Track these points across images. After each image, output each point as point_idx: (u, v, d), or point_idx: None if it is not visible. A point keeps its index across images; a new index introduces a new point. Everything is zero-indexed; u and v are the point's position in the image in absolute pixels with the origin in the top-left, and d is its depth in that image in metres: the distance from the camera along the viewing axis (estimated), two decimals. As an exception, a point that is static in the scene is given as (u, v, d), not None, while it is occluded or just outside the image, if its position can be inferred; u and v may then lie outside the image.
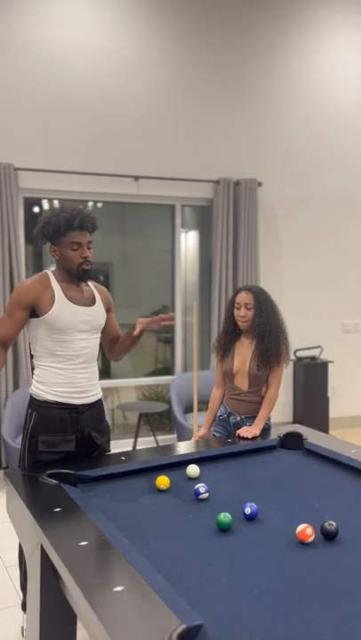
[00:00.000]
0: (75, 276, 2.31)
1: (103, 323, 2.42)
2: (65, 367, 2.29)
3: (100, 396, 2.43)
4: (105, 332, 2.52)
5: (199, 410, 3.70)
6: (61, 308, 2.24)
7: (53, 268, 2.37)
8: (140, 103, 4.83)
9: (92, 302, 2.36)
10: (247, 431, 2.64)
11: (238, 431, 2.67)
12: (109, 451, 2.48)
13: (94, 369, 2.40)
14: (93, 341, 2.37)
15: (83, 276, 2.32)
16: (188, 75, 4.98)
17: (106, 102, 4.72)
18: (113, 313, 2.56)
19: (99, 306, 2.39)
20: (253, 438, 2.61)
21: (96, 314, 2.36)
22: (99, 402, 2.43)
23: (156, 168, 4.89)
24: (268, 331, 2.73)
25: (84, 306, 2.32)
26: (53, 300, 2.24)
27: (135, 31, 4.78)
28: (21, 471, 2.16)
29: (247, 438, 2.60)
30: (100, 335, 2.43)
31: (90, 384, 2.36)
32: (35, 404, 2.31)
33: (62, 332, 2.25)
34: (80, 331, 2.29)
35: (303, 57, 5.38)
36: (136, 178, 4.81)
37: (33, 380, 2.36)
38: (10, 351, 4.28)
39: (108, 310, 2.49)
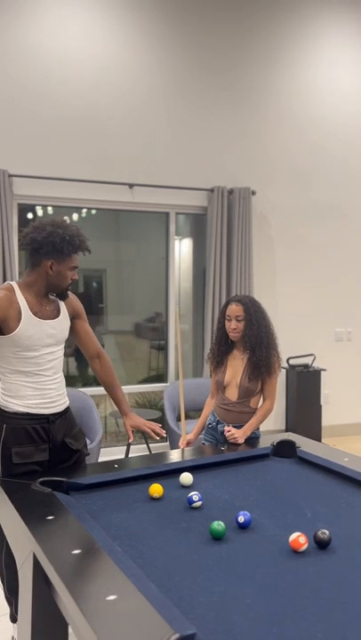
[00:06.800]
0: (59, 294, 2.30)
1: (67, 335, 2.38)
2: (34, 381, 2.27)
3: (67, 403, 2.43)
4: (79, 343, 2.49)
5: (193, 417, 3.70)
6: (28, 325, 2.19)
7: (18, 280, 2.31)
8: (136, 111, 4.86)
9: (56, 314, 2.32)
10: (232, 433, 2.66)
11: (225, 428, 2.70)
12: (88, 454, 2.49)
13: (61, 378, 2.39)
14: (59, 353, 2.34)
15: (65, 295, 2.33)
16: (182, 83, 5.01)
17: (101, 110, 4.74)
18: (84, 321, 2.48)
19: (63, 317, 2.35)
20: (237, 444, 2.63)
21: (60, 326, 2.32)
22: (67, 409, 2.42)
23: (151, 176, 4.91)
24: (258, 343, 2.73)
25: (49, 319, 2.27)
26: (20, 318, 2.18)
27: (132, 40, 4.81)
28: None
29: (232, 444, 2.64)
30: (64, 345, 2.39)
31: (58, 394, 2.35)
32: (4, 416, 2.26)
33: (29, 349, 2.22)
34: (46, 345, 2.26)
35: (297, 67, 5.43)
36: (131, 185, 4.82)
37: (0, 393, 2.30)
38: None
39: (75, 317, 2.44)
